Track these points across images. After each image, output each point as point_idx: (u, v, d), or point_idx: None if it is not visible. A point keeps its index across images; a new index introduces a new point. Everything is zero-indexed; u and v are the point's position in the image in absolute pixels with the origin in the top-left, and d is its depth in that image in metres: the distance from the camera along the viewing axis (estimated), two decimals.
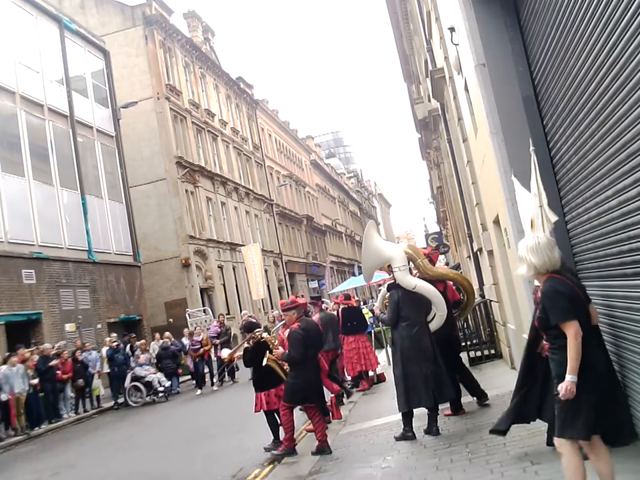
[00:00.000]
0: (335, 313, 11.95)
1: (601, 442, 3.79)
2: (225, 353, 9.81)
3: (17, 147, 18.79)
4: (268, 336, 8.20)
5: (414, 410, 6.93)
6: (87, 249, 21.33)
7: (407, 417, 6.90)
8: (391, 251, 7.37)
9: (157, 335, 19.15)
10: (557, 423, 3.82)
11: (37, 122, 20.12)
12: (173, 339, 18.86)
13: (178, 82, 31.43)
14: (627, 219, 3.89)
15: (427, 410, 6.90)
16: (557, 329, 3.73)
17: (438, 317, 7.25)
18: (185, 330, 20.34)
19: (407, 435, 6.83)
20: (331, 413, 8.94)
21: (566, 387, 3.61)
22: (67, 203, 20.74)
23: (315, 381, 7.21)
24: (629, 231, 3.90)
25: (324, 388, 10.05)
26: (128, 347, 17.40)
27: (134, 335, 19.42)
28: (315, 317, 10.55)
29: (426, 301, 7.11)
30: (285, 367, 7.50)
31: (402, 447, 6.63)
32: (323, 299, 12.01)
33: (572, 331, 3.63)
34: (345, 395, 10.43)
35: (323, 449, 7.04)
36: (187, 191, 29.69)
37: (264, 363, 7.51)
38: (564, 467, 3.77)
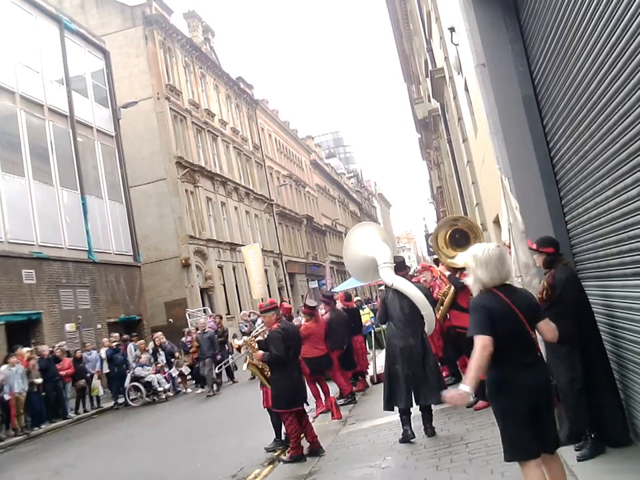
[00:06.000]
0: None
1: (544, 454, 3.61)
2: (237, 341, 9.54)
3: (16, 146, 18.77)
4: (247, 338, 7.76)
5: (411, 410, 6.85)
6: (87, 249, 21.31)
7: (404, 416, 6.78)
8: (375, 249, 7.24)
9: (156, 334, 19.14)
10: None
11: (36, 122, 20.11)
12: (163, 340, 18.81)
13: (178, 82, 31.41)
14: (627, 218, 3.89)
15: (420, 411, 6.82)
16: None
17: (425, 316, 7.02)
18: (186, 329, 20.33)
19: (407, 435, 6.75)
20: (331, 413, 8.95)
21: (454, 394, 3.47)
22: (67, 203, 20.73)
23: (300, 384, 6.97)
24: (629, 231, 3.90)
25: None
26: (131, 345, 17.36)
27: (135, 334, 19.44)
28: (326, 316, 10.56)
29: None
30: (266, 372, 7.23)
31: (402, 447, 6.62)
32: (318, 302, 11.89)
33: (479, 344, 3.44)
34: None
35: (314, 451, 7.01)
36: (186, 190, 29.68)
37: (244, 367, 7.35)
38: None
